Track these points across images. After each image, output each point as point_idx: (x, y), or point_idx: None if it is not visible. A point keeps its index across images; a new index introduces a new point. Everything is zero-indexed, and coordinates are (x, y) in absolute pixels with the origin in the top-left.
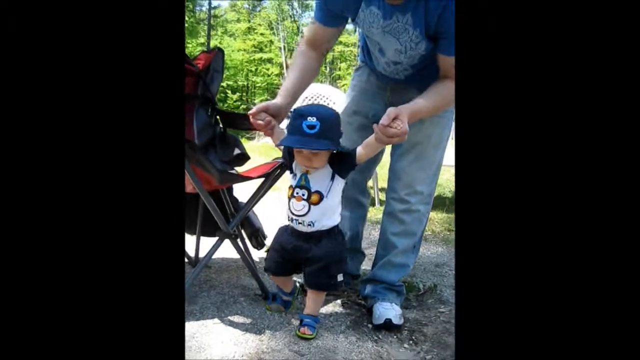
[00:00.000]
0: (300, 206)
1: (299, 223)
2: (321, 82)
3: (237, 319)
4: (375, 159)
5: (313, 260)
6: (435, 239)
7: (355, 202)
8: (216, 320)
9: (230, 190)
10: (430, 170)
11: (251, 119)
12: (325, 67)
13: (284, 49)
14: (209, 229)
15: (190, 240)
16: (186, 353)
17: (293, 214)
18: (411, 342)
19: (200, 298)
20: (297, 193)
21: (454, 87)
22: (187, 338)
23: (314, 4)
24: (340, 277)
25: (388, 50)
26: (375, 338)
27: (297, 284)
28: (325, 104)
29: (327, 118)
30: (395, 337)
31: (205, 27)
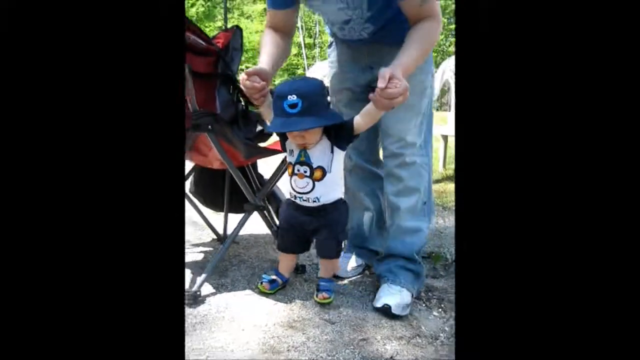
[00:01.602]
0: (303, 183)
1: (304, 200)
2: None
3: None
4: (377, 127)
5: (320, 230)
6: None
7: (370, 173)
8: (248, 291)
9: (254, 166)
10: (417, 119)
11: (244, 80)
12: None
13: (302, 28)
14: (235, 205)
15: (217, 218)
16: (220, 323)
17: (296, 191)
18: (440, 309)
19: (230, 272)
20: (298, 170)
21: (430, 26)
22: (220, 309)
23: None
24: (344, 244)
25: (332, 13)
26: None
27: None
28: None
29: (308, 92)
30: (424, 305)
31: (222, 11)
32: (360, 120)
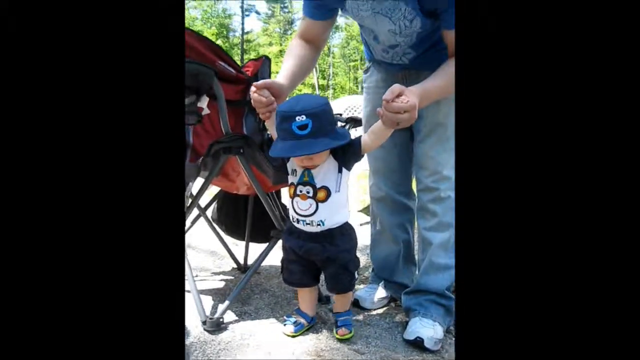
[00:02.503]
0: (306, 205)
1: (307, 224)
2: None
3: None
4: (410, 158)
5: (329, 262)
6: None
7: (400, 205)
8: (272, 320)
9: (278, 194)
10: (453, 152)
11: (253, 93)
12: (357, 86)
13: (316, 69)
14: (256, 234)
15: (235, 248)
16: (245, 350)
17: (299, 214)
18: None
19: (253, 300)
20: (300, 191)
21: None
22: (245, 336)
23: (343, 25)
24: (356, 274)
25: (381, 33)
26: None
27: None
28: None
29: (317, 112)
30: (454, 339)
31: (239, 52)
32: (368, 139)
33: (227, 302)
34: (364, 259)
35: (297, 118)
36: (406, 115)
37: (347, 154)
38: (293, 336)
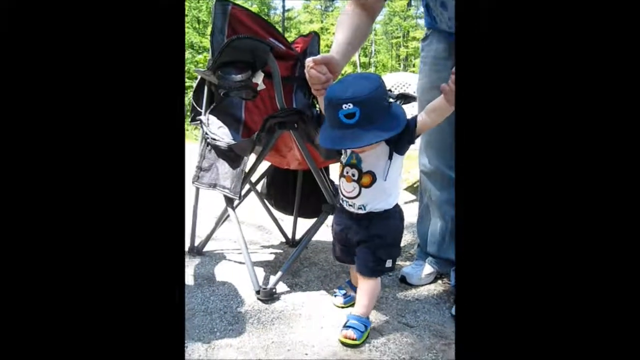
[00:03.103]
0: (350, 187)
1: (349, 205)
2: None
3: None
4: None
5: (361, 242)
6: None
7: (450, 180)
8: (322, 292)
9: (327, 170)
10: None
11: (311, 68)
12: (399, 64)
13: None
14: (305, 210)
15: (281, 221)
16: (297, 319)
17: (344, 195)
18: None
19: (303, 272)
20: (347, 172)
21: None
22: (296, 306)
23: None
24: (389, 263)
25: (451, 1)
26: None
27: None
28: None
29: (367, 98)
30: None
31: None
32: (427, 118)
33: (279, 274)
34: (409, 236)
35: (344, 106)
36: None
37: (400, 140)
38: (343, 307)
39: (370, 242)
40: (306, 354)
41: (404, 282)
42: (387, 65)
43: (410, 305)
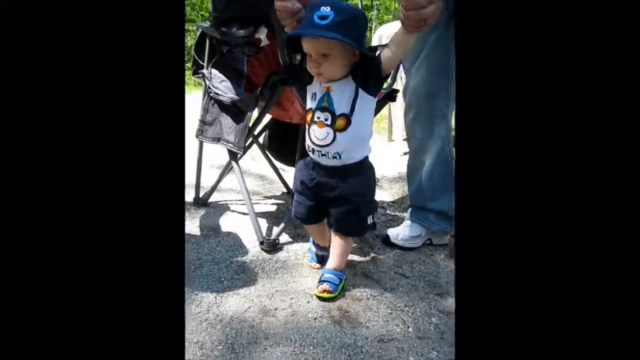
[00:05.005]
0: (322, 134)
1: (322, 155)
2: None
3: None
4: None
5: (340, 200)
6: None
7: (436, 116)
8: None
9: None
10: None
11: (277, 1)
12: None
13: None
14: None
15: (283, 172)
16: (300, 269)
17: (315, 143)
18: None
19: None
20: (318, 117)
21: None
22: (299, 256)
23: None
24: (370, 220)
25: None
26: None
27: None
28: None
29: (345, 10)
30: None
31: None
32: (388, 51)
33: (282, 225)
34: (401, 190)
35: (322, 8)
36: (431, 7)
37: (366, 74)
38: (317, 268)
39: (351, 201)
40: (308, 302)
41: (387, 244)
42: (389, 7)
43: (407, 257)
